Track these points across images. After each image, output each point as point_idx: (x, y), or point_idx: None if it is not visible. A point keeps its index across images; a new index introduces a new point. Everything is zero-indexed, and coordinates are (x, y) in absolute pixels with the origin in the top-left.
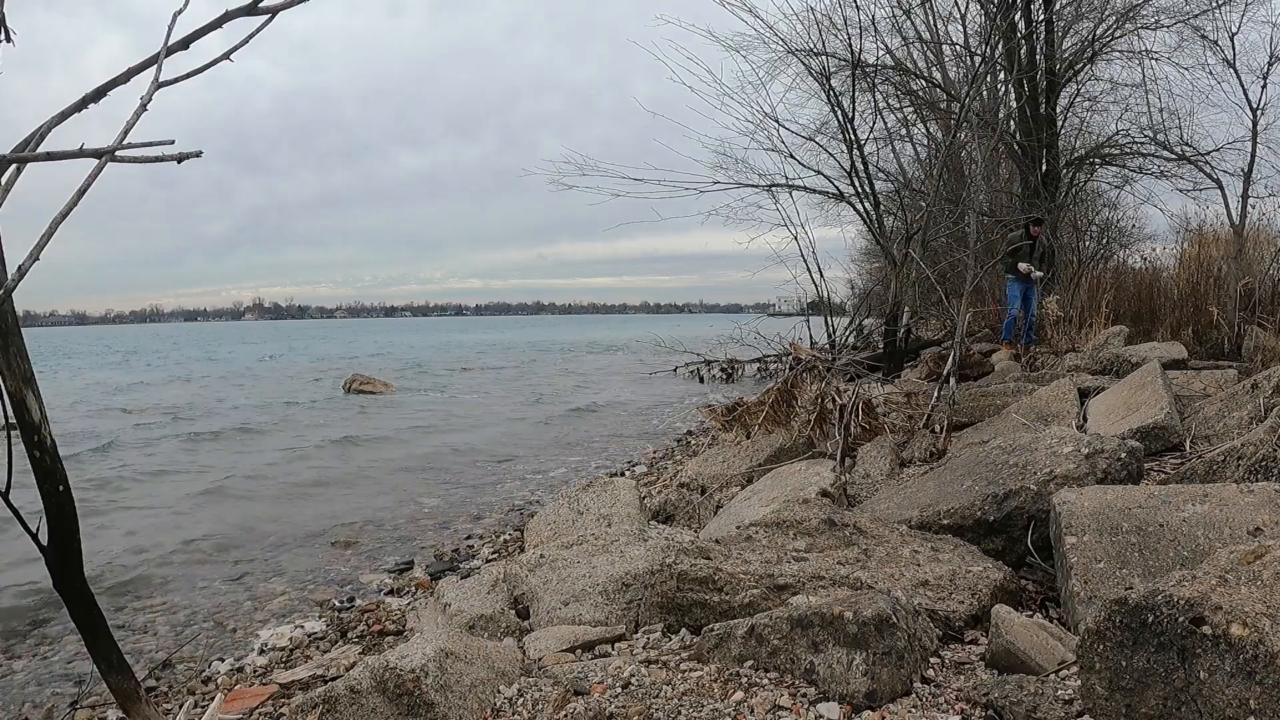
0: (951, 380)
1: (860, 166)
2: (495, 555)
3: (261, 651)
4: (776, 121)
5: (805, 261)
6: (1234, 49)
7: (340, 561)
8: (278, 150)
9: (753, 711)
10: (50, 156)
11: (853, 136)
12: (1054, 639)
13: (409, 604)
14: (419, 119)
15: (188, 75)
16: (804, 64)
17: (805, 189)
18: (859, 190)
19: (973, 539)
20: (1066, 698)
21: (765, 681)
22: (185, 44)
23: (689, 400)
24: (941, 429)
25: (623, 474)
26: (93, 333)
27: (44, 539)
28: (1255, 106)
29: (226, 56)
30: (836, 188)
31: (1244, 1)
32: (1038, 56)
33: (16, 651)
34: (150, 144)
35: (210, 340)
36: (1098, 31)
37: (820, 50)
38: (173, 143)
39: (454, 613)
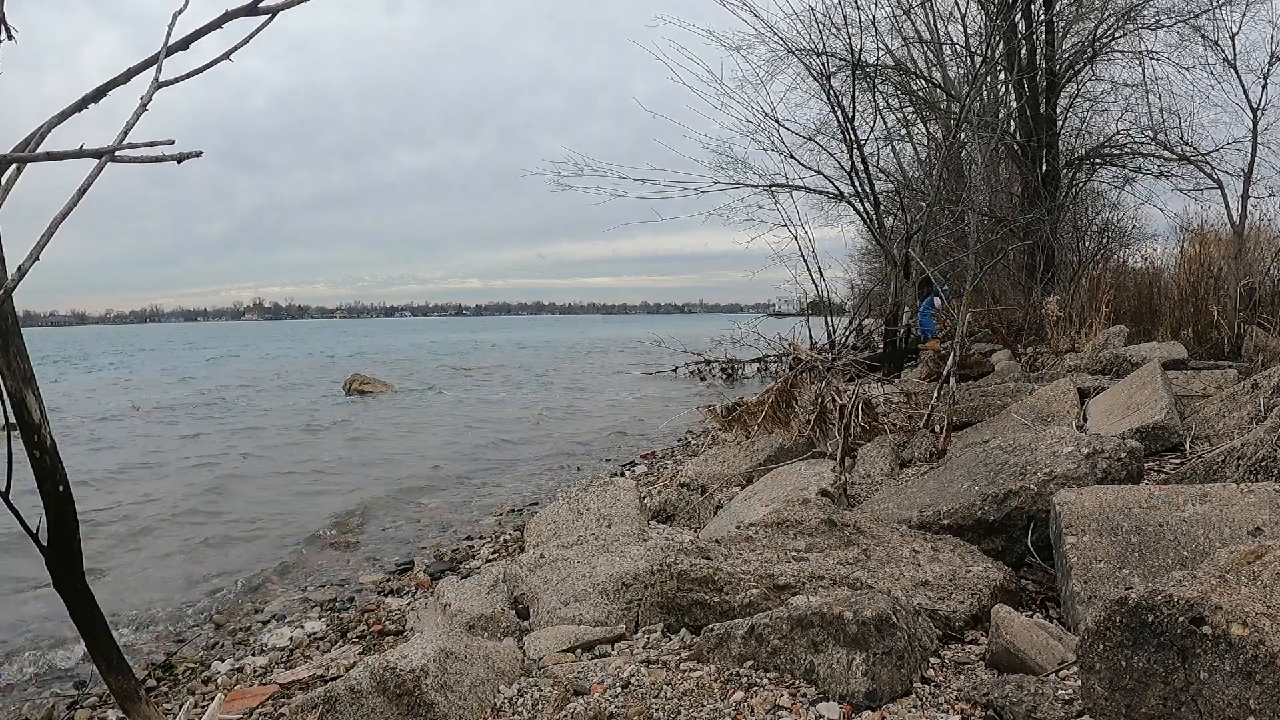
0: (951, 380)
1: (860, 166)
2: (495, 555)
3: (261, 651)
4: (776, 121)
5: (805, 261)
6: (1234, 49)
7: (340, 561)
8: (276, 149)
9: (753, 711)
10: (50, 156)
11: (853, 136)
12: (1054, 639)
13: (409, 604)
14: (417, 118)
15: (188, 75)
16: (804, 64)
17: (805, 189)
18: (859, 190)
19: (973, 539)
20: (1066, 698)
21: (765, 681)
22: (185, 44)
23: (689, 400)
24: (941, 429)
25: (623, 474)
26: (102, 333)
27: (44, 539)
28: (1255, 106)
29: (226, 56)
30: (836, 188)
31: (1244, 1)
32: (1038, 56)
33: (17, 651)
34: (150, 144)
35: (241, 339)
36: (1098, 31)
37: (820, 50)
38: (173, 143)
39: (454, 613)
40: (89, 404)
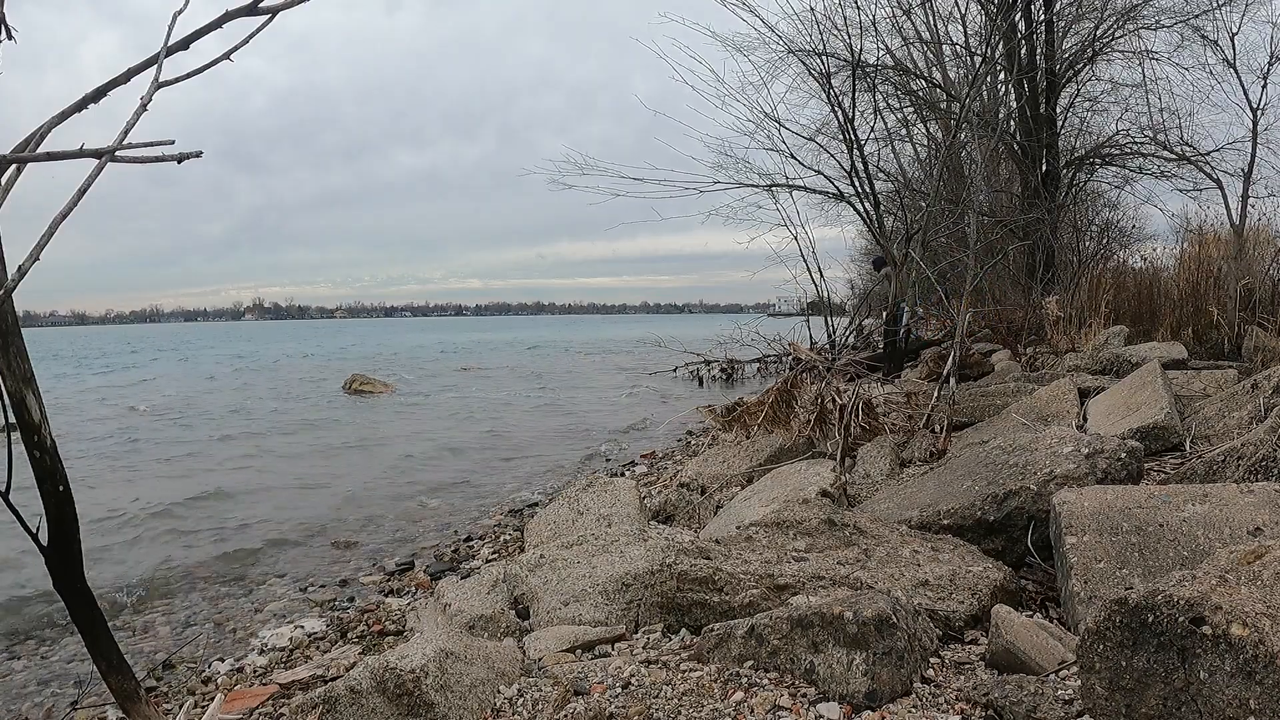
0: (951, 380)
1: (860, 166)
2: (495, 555)
3: (261, 651)
4: (777, 122)
5: (805, 261)
6: (1234, 49)
7: (340, 561)
8: (276, 149)
9: (753, 711)
10: (50, 156)
11: (853, 137)
12: (1054, 639)
13: (409, 604)
14: (417, 117)
15: (188, 75)
16: (804, 64)
17: (805, 189)
18: (859, 190)
19: (973, 539)
20: (1066, 698)
21: (765, 681)
22: (185, 44)
23: (688, 400)
24: (941, 429)
25: (623, 474)
26: (106, 333)
27: (44, 539)
28: (1255, 106)
29: (227, 56)
30: (836, 188)
31: (1244, 1)
32: (1038, 56)
33: (16, 651)
34: (150, 144)
35: (253, 339)
36: (1098, 31)
37: (821, 50)
38: (173, 143)
39: (454, 613)
40: (91, 406)
